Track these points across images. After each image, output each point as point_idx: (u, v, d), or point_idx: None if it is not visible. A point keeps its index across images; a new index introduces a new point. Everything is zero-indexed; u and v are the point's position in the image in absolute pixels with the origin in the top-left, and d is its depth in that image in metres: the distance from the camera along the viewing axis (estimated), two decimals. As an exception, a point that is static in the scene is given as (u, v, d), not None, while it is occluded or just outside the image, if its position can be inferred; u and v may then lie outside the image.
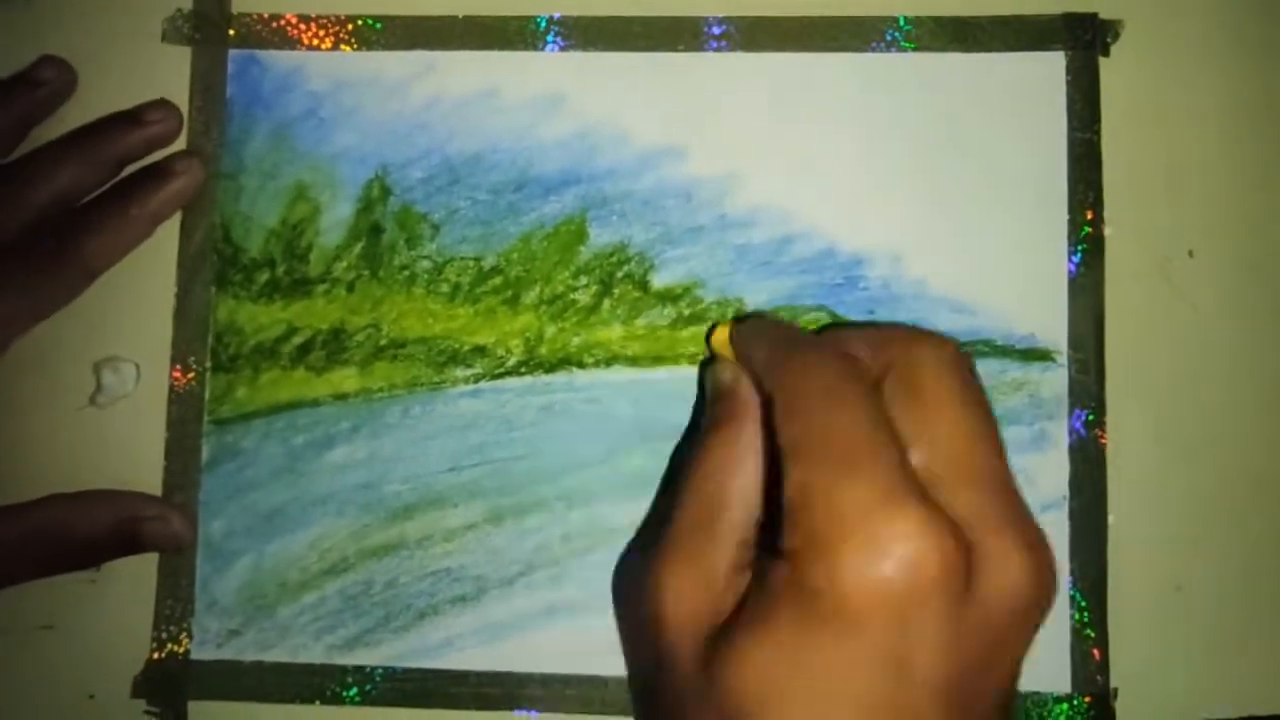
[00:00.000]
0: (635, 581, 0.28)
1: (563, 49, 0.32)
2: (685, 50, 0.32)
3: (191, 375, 0.32)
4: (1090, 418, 0.31)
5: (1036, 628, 0.21)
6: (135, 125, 0.31)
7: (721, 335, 0.27)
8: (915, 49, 0.32)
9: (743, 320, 0.29)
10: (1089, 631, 0.30)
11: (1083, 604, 0.30)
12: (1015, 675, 0.21)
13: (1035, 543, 0.21)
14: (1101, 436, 0.31)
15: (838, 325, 0.31)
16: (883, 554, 0.19)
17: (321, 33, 0.33)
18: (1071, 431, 0.31)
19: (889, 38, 0.32)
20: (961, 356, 0.24)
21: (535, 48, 0.32)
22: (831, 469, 0.20)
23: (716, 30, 0.32)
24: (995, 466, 0.22)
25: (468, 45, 0.32)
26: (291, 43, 0.32)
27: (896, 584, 0.19)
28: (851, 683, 0.20)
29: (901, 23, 0.32)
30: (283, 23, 0.33)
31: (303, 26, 0.33)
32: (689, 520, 0.24)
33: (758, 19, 0.32)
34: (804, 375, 0.23)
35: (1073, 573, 0.30)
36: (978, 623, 0.20)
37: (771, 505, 0.23)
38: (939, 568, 0.19)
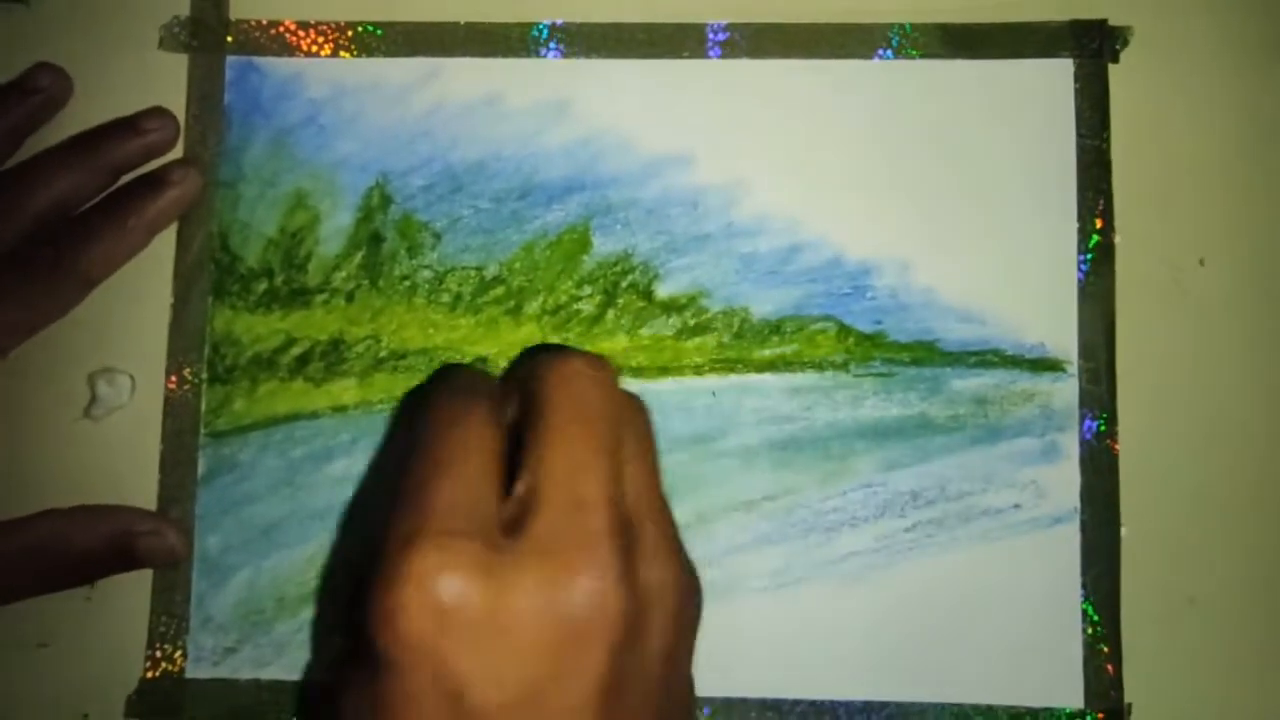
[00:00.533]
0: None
1: (563, 56, 0.32)
2: (690, 57, 0.32)
3: (188, 387, 0.31)
4: (1101, 428, 0.30)
5: (614, 643, 0.21)
6: (132, 133, 0.31)
7: None
8: (922, 56, 0.32)
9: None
10: (1102, 646, 0.30)
11: (1095, 618, 0.30)
12: (608, 698, 0.21)
13: (593, 559, 0.21)
14: (1113, 447, 0.30)
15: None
16: (394, 603, 0.20)
17: (321, 39, 0.32)
18: (1083, 442, 0.30)
19: (896, 45, 0.32)
20: (581, 371, 0.23)
21: (536, 55, 0.32)
22: (399, 506, 0.22)
23: (722, 37, 0.32)
24: (580, 483, 0.22)
25: (470, 52, 0.32)
26: (290, 49, 0.32)
27: (410, 629, 0.20)
28: None
29: (909, 30, 0.32)
30: (281, 29, 0.32)
31: (302, 33, 0.32)
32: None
33: (763, 25, 0.32)
34: (421, 413, 0.24)
35: (1085, 586, 0.30)
36: (523, 644, 0.20)
37: None
38: (452, 602, 0.20)
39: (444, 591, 0.20)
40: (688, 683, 0.24)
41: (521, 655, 0.20)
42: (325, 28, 0.32)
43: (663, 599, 0.22)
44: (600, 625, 0.20)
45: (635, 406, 0.25)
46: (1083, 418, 0.30)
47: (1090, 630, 0.30)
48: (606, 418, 0.23)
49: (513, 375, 0.25)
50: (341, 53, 0.32)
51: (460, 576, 0.20)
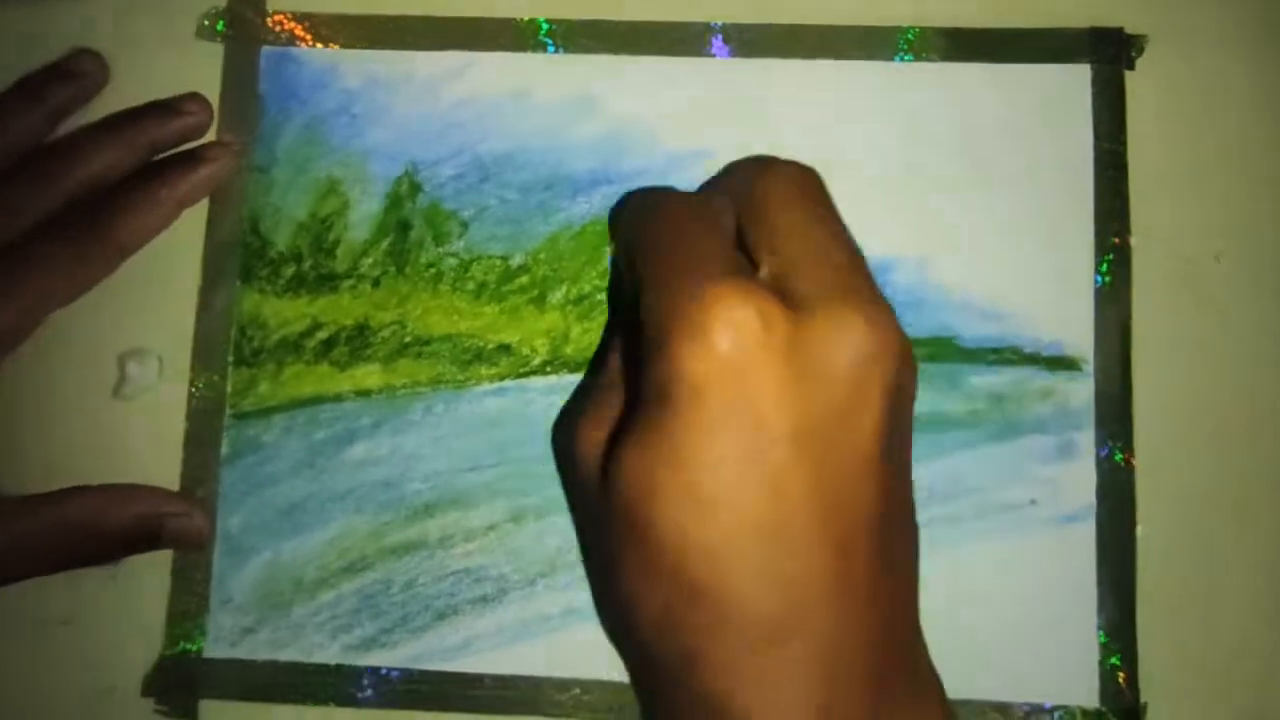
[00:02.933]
0: (558, 432, 0.30)
1: (590, 53, 0.32)
2: (714, 55, 0.32)
3: (214, 369, 0.31)
4: (1117, 427, 0.31)
5: (890, 385, 0.21)
6: (169, 114, 0.31)
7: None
8: (941, 59, 0.32)
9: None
10: (1117, 645, 0.30)
11: (1111, 616, 0.30)
12: (885, 436, 0.21)
13: (871, 303, 0.22)
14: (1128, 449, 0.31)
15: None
16: (704, 325, 0.21)
17: (356, 31, 0.33)
18: (1099, 441, 0.31)
19: (918, 47, 0.32)
20: (804, 176, 0.24)
21: (563, 51, 0.32)
22: (662, 281, 0.22)
23: (746, 36, 0.32)
24: (831, 250, 0.23)
25: (500, 46, 0.33)
26: (324, 40, 0.33)
27: (722, 347, 0.21)
28: (710, 450, 0.21)
29: (929, 33, 0.32)
30: (315, 21, 0.33)
31: (337, 25, 0.33)
32: (591, 372, 0.26)
33: (785, 26, 0.32)
34: (645, 224, 0.24)
35: (1100, 584, 0.30)
36: (819, 377, 0.21)
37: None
38: (759, 327, 0.21)
39: (755, 314, 0.21)
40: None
41: (823, 384, 0.21)
42: (359, 20, 0.33)
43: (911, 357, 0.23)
44: (885, 364, 0.21)
45: None
46: (1098, 417, 0.31)
47: (1106, 628, 0.30)
48: (828, 208, 0.24)
49: (720, 189, 0.25)
50: (374, 45, 0.33)
51: (768, 303, 0.21)
